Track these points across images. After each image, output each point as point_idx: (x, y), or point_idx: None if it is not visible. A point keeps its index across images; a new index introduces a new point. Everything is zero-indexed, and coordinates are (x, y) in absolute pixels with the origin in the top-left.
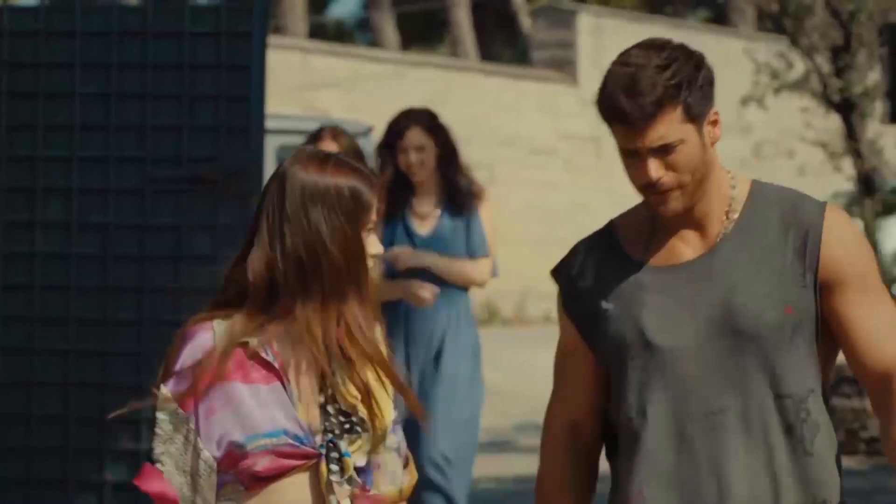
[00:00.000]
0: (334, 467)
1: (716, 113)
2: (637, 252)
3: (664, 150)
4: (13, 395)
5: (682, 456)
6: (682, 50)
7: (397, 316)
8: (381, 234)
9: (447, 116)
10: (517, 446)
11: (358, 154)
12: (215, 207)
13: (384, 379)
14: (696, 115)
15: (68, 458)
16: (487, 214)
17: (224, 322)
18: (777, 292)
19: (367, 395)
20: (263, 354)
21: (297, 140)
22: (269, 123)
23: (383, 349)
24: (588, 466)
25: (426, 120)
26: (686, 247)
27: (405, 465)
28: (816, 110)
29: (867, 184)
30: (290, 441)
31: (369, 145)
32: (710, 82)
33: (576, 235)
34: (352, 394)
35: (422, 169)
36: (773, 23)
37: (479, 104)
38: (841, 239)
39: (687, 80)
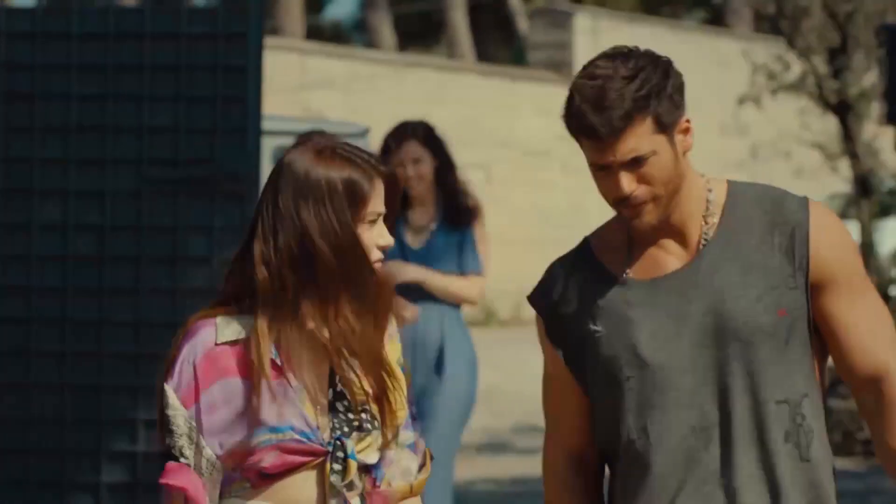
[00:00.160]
0: (337, 467)
1: (687, 121)
2: (617, 267)
3: (635, 163)
4: (10, 397)
5: (690, 472)
6: (649, 57)
7: None
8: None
9: (444, 117)
10: (514, 447)
11: None
12: (212, 209)
13: (398, 375)
14: (667, 125)
15: (65, 460)
16: (481, 232)
17: (227, 318)
18: (768, 295)
19: (380, 391)
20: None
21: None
22: (266, 125)
23: (386, 346)
24: (596, 498)
25: (423, 132)
26: (668, 256)
27: (422, 463)
28: (813, 112)
29: (864, 185)
30: (297, 437)
31: (366, 146)
32: (679, 89)
33: (572, 236)
34: (362, 390)
35: (419, 182)
36: (770, 24)
37: (475, 105)
38: (829, 237)
39: (656, 90)
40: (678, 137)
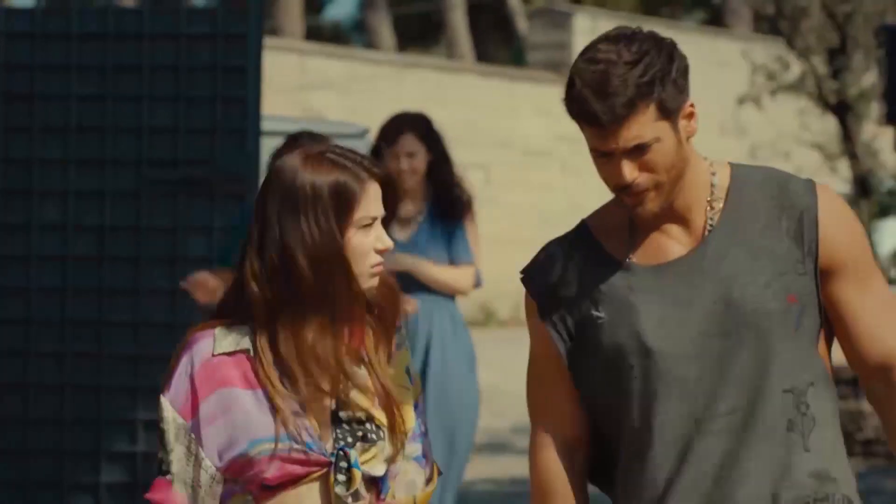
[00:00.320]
0: (341, 477)
1: (691, 105)
2: (619, 252)
3: (638, 150)
4: (9, 397)
5: (686, 464)
6: (653, 40)
7: None
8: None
9: (443, 118)
10: (514, 448)
11: None
12: (211, 209)
13: (406, 385)
14: (672, 111)
15: (64, 460)
16: (473, 226)
17: (225, 329)
18: (777, 281)
19: (387, 401)
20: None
21: None
22: (266, 125)
23: (393, 356)
24: (585, 491)
25: (420, 126)
26: (673, 242)
27: (429, 477)
28: (812, 112)
29: (863, 185)
30: (298, 447)
31: (365, 147)
32: (684, 73)
33: None
34: (367, 400)
35: (412, 176)
36: (770, 25)
37: (475, 106)
38: (839, 222)
39: (660, 76)
40: (682, 122)
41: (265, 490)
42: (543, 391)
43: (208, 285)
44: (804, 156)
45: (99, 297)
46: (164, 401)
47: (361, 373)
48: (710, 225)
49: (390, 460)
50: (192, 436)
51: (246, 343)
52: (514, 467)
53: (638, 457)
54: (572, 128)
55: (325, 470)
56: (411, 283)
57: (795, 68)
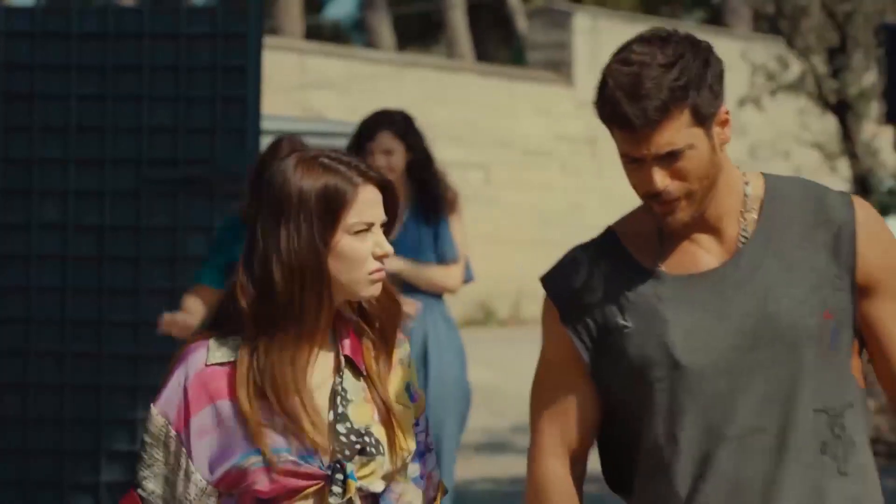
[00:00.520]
0: (336, 489)
1: (726, 111)
2: (648, 260)
3: (670, 157)
4: (9, 397)
5: (710, 481)
6: (689, 43)
7: None
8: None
9: (443, 117)
10: (513, 447)
11: None
12: (211, 209)
13: (407, 403)
14: (706, 117)
15: (64, 460)
16: (459, 223)
17: (220, 339)
18: (814, 296)
19: (387, 417)
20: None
21: None
22: (265, 125)
23: (394, 371)
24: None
25: (398, 123)
26: (704, 252)
27: (433, 496)
28: (812, 111)
29: (863, 185)
30: (293, 459)
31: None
32: (719, 78)
33: (571, 237)
34: (367, 413)
35: (389, 174)
36: (770, 24)
37: (474, 105)
38: (876, 237)
39: (695, 80)
40: (716, 129)
41: (258, 503)
42: (553, 398)
43: (184, 324)
44: (804, 155)
45: (99, 296)
46: (154, 411)
47: (365, 384)
48: (744, 236)
49: (389, 478)
50: (183, 449)
51: (237, 354)
52: (514, 467)
53: (660, 469)
54: (572, 128)
55: (320, 483)
56: (400, 285)
57: (795, 68)
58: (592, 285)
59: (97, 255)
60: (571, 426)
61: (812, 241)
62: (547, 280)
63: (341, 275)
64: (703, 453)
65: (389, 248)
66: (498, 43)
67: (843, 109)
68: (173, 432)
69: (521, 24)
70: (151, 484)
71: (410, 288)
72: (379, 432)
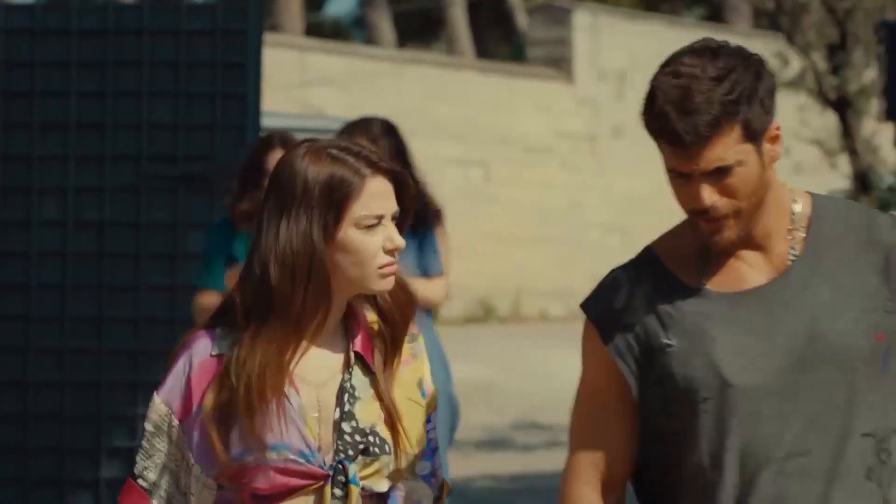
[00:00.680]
0: (338, 492)
1: (777, 127)
2: (691, 277)
3: (719, 174)
4: (9, 394)
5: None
6: (740, 56)
7: None
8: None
9: (443, 114)
10: (513, 444)
11: None
12: (211, 205)
13: (417, 400)
14: (757, 133)
15: (64, 456)
16: (443, 236)
17: (228, 330)
18: (865, 318)
19: (390, 417)
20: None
21: None
22: (265, 121)
23: (406, 366)
24: None
25: (377, 130)
26: (751, 270)
27: (438, 495)
28: (812, 108)
29: (863, 181)
30: (294, 457)
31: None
32: (771, 93)
33: (571, 234)
34: (373, 412)
35: None
36: (769, 20)
37: (474, 102)
38: None
39: (747, 94)
40: (766, 146)
41: (257, 499)
42: (593, 425)
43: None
44: (804, 152)
45: (99, 293)
46: (157, 399)
47: (371, 382)
48: (793, 254)
49: (395, 477)
50: (184, 438)
51: None
52: (514, 464)
53: (703, 491)
54: (572, 125)
55: (320, 483)
56: None
57: (795, 64)
58: (633, 305)
59: (97, 252)
60: (609, 455)
61: (862, 262)
62: (587, 304)
63: (349, 269)
64: (748, 475)
65: (401, 242)
66: (498, 39)
67: (843, 106)
68: (176, 422)
69: (522, 20)
70: (153, 474)
71: None
72: (385, 431)
